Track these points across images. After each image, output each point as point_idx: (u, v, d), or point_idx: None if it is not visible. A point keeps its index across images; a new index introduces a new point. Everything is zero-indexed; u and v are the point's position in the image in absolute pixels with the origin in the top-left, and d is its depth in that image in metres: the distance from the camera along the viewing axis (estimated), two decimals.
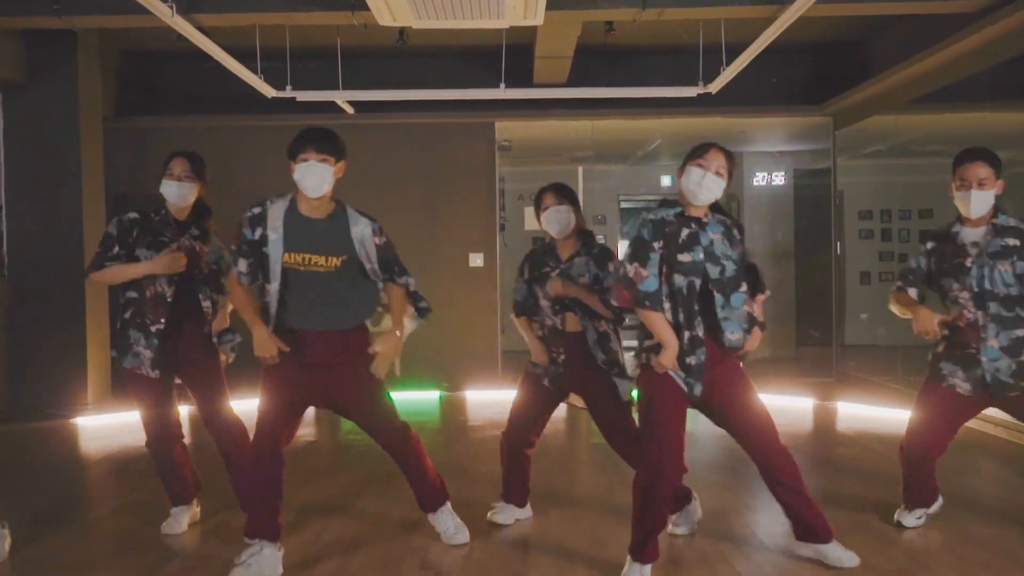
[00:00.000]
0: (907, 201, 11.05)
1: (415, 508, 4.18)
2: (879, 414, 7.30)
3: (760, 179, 11.39)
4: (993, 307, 3.79)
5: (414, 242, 8.19)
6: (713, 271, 3.43)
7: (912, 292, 4.06)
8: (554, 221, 4.12)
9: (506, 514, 4.41)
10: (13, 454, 6.34)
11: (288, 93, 7.63)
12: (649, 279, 3.37)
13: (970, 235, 3.91)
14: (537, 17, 5.51)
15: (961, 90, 7.51)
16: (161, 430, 4.20)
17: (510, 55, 7.58)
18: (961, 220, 3.97)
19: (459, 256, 9.13)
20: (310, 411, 7.85)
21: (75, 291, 7.64)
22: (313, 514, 4.57)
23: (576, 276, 4.07)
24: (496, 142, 9.12)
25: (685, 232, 3.43)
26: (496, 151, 9.15)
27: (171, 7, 5.72)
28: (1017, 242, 3.80)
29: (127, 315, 4.13)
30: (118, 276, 4.07)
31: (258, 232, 3.62)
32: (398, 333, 3.82)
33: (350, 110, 8.63)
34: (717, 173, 3.46)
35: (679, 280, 3.41)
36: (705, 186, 3.44)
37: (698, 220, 3.47)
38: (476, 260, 9.06)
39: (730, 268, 3.46)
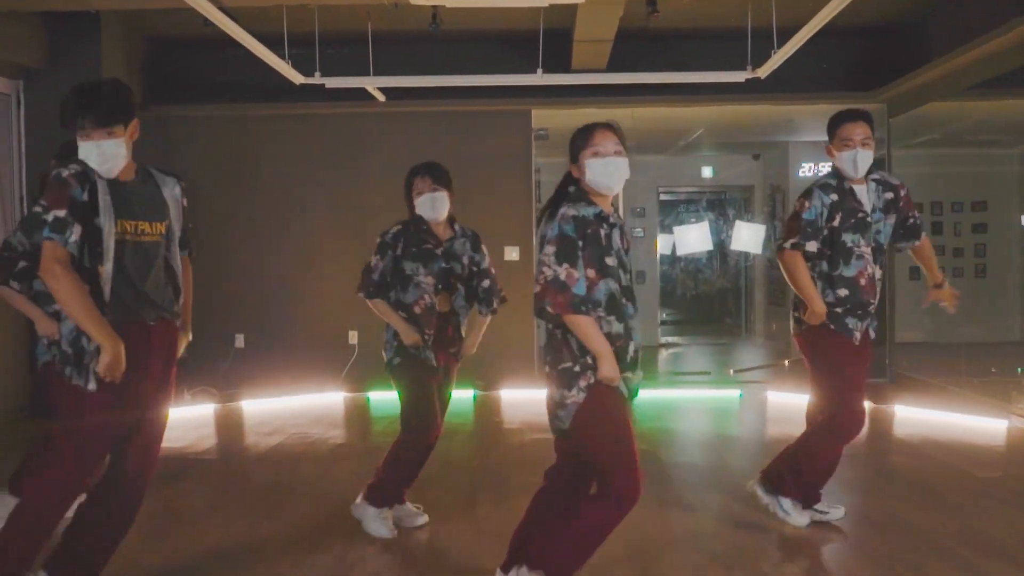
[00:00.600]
0: (959, 193, 10.60)
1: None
2: (937, 419, 6.88)
3: (806, 169, 10.96)
4: (883, 261, 4.06)
5: None
6: (623, 277, 3.10)
7: (811, 246, 3.98)
8: (432, 207, 4.16)
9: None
10: None
11: (317, 80, 7.34)
12: (580, 281, 2.96)
13: (858, 191, 4.01)
14: None
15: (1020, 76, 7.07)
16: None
17: (546, 40, 7.21)
18: (839, 177, 4.03)
19: (494, 250, 8.59)
20: (340, 412, 7.72)
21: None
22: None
23: (460, 255, 4.26)
24: (532, 131, 8.76)
25: (603, 233, 3.05)
26: (532, 140, 8.79)
27: None
28: (892, 195, 4.05)
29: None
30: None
31: (86, 192, 2.96)
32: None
33: (381, 98, 8.32)
34: (617, 153, 3.06)
35: (610, 285, 3.04)
36: (612, 172, 3.04)
37: (608, 218, 3.09)
38: (512, 254, 8.72)
39: (627, 275, 3.13)
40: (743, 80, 7.30)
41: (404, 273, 4.15)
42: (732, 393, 8.23)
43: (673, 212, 13.71)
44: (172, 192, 3.22)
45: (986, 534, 4.04)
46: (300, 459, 5.82)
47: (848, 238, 3.94)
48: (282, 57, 7.02)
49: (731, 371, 9.54)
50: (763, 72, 7.14)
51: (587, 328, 2.97)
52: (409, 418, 4.06)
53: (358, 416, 7.55)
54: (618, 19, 7.08)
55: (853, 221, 3.95)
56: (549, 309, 2.97)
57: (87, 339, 2.98)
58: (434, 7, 7.36)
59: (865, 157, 3.93)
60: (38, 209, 2.92)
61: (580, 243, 2.98)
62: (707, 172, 12.31)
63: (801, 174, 10.92)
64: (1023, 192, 10.21)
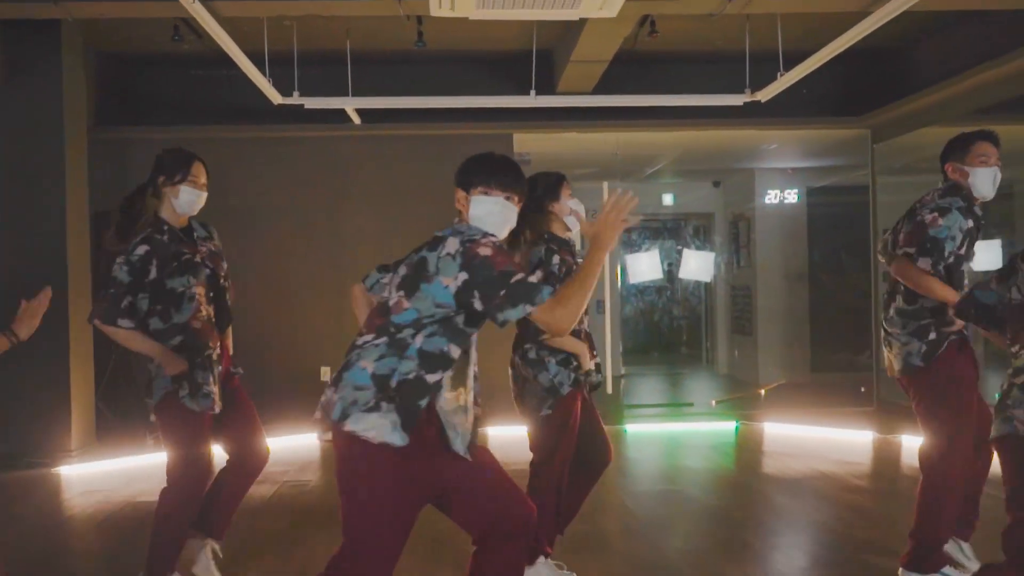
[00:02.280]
0: None
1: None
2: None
3: (772, 196, 10.88)
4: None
5: None
6: None
7: (924, 263, 3.60)
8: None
9: None
10: None
11: (296, 100, 6.90)
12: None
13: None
14: (613, 8, 4.86)
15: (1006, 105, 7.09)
16: (203, 471, 3.58)
17: (527, 61, 6.92)
18: (969, 200, 3.69)
19: None
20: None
21: (58, 324, 6.63)
22: None
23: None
24: (515, 155, 8.43)
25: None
26: None
27: None
28: None
29: (183, 354, 3.48)
30: (131, 342, 3.49)
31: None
32: None
33: (357, 120, 7.90)
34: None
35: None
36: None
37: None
38: None
39: None
40: (741, 104, 7.12)
41: None
42: (727, 425, 8.00)
43: (631, 240, 13.53)
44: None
45: None
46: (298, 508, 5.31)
47: (963, 267, 3.65)
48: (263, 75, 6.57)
49: (713, 402, 9.33)
50: (764, 96, 6.97)
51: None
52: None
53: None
54: (622, 39, 6.83)
55: (970, 249, 3.67)
56: None
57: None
58: (419, 27, 7.03)
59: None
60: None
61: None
62: (668, 199, 12.16)
63: (767, 200, 10.85)
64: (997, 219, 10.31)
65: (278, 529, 4.85)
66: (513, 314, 2.44)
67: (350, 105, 7.33)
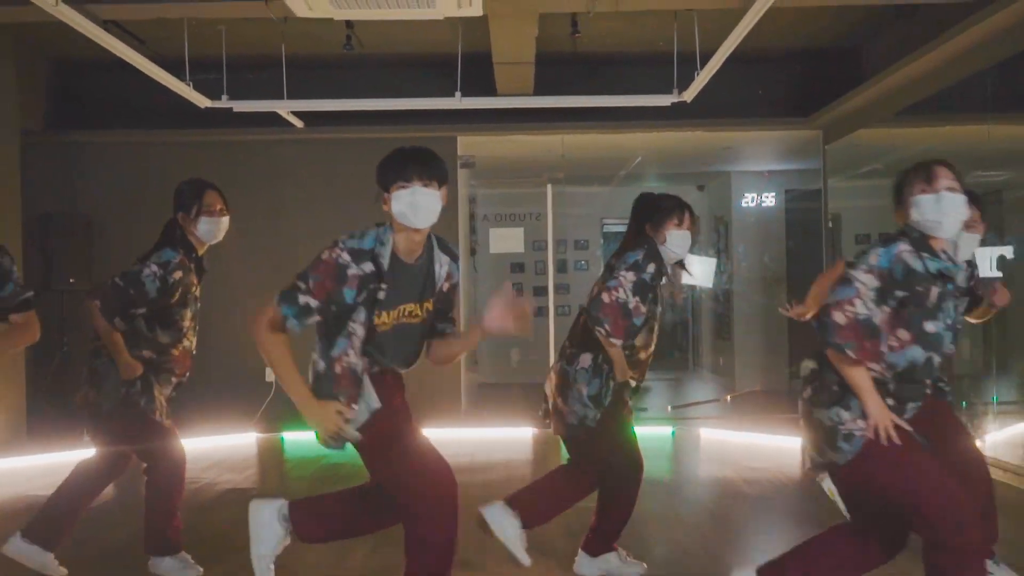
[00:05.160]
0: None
1: None
2: None
3: (749, 200, 10.70)
4: None
5: None
6: None
7: None
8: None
9: None
10: None
11: (224, 103, 6.98)
12: None
13: None
14: (473, 7, 4.83)
15: (961, 100, 6.85)
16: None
17: (469, 64, 6.89)
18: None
19: None
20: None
21: None
22: None
23: None
24: (459, 158, 8.41)
25: None
26: (459, 167, 8.44)
27: None
28: None
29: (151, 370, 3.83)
30: (106, 336, 3.73)
31: (362, 295, 2.85)
32: None
33: (299, 124, 7.96)
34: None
35: None
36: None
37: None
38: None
39: None
40: (669, 104, 7.01)
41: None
42: (663, 431, 7.87)
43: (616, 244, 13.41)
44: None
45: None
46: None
47: None
48: (183, 80, 6.66)
49: (669, 407, 9.18)
50: (688, 96, 6.84)
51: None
52: None
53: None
54: (534, 39, 6.77)
55: None
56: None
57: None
58: (348, 31, 7.07)
59: None
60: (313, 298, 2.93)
61: None
62: None
63: (744, 204, 10.66)
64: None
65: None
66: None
67: (281, 108, 7.38)
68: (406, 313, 2.92)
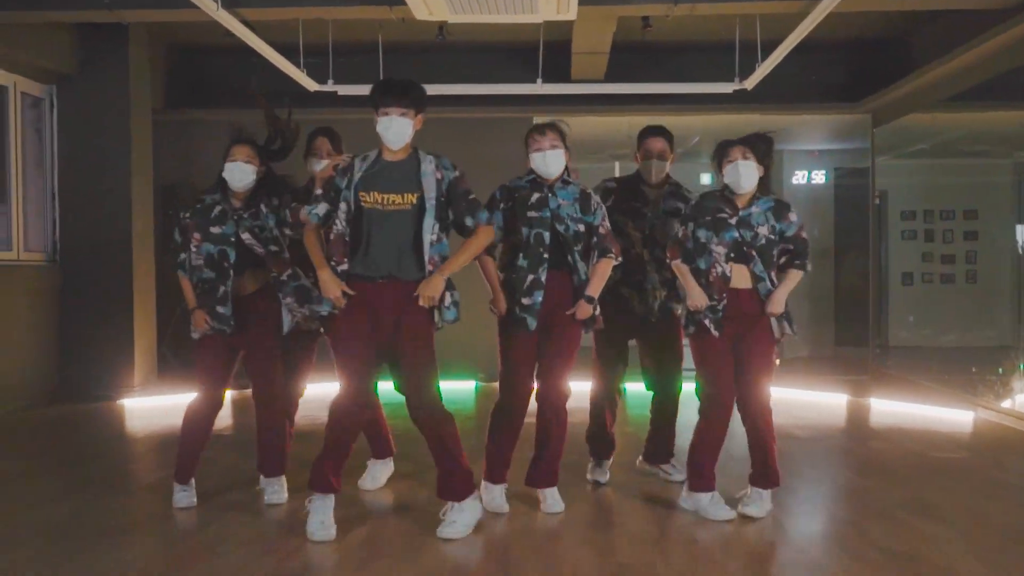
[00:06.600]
0: (951, 202, 10.97)
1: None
2: (908, 410, 7.31)
3: (800, 177, 11.35)
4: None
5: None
6: (559, 227, 4.18)
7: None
8: (745, 175, 4.13)
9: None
10: (63, 432, 6.57)
11: (330, 87, 7.81)
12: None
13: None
14: (570, 12, 5.61)
15: (1006, 89, 7.45)
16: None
17: (548, 51, 7.67)
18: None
19: None
20: None
21: (123, 278, 7.89)
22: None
23: (756, 226, 4.14)
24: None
25: (536, 196, 4.21)
26: None
27: (216, 1, 5.92)
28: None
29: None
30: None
31: (345, 180, 3.87)
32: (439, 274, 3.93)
33: None
34: (552, 147, 4.17)
35: (525, 231, 4.18)
36: (548, 162, 4.18)
37: (550, 187, 4.22)
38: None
39: (573, 228, 4.20)
40: (731, 91, 7.73)
41: (700, 242, 4.24)
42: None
43: None
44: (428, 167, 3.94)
45: (927, 501, 4.46)
46: None
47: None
48: (297, 66, 7.51)
49: None
50: (749, 84, 7.57)
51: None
52: None
53: None
54: (611, 34, 7.52)
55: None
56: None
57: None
58: (440, 21, 7.84)
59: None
60: (319, 190, 3.99)
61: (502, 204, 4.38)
62: (705, 179, 12.70)
63: (795, 181, 11.32)
64: (1012, 201, 10.61)
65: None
66: None
67: None
68: (390, 201, 3.82)
